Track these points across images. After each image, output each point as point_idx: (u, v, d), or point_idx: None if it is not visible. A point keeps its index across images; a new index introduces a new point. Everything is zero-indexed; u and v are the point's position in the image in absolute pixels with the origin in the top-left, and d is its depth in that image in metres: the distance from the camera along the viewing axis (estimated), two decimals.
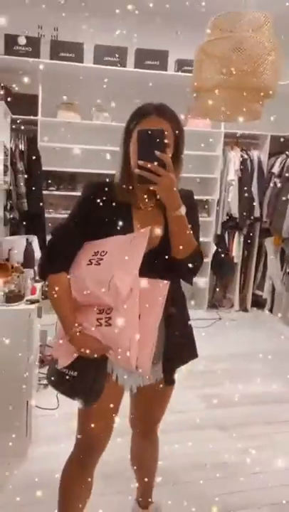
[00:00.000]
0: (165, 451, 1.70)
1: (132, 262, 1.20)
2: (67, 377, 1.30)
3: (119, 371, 1.34)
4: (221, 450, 2.25)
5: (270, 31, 2.08)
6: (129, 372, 1.34)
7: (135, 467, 1.68)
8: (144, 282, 1.20)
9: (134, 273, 1.19)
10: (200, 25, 2.28)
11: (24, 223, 3.80)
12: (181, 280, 1.41)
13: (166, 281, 1.22)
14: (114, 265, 1.21)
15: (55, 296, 1.28)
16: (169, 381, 1.37)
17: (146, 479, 1.66)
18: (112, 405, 1.35)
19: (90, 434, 1.37)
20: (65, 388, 1.33)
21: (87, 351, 1.25)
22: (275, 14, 2.11)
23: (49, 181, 4.05)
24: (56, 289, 1.28)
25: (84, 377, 1.29)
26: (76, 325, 1.27)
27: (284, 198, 3.96)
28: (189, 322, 1.43)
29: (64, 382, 1.31)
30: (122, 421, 1.54)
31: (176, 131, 1.25)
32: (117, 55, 3.91)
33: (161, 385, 1.38)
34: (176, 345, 1.35)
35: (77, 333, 1.26)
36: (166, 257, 1.26)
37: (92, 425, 1.34)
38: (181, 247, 1.23)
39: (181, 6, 3.51)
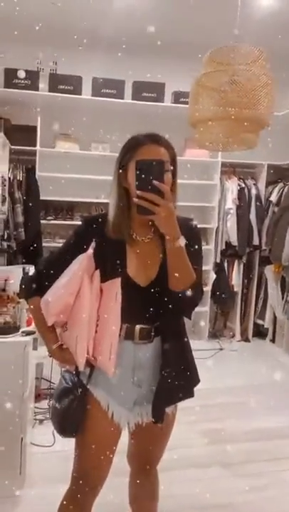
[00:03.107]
0: (166, 490, 1.61)
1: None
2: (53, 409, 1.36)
3: (115, 408, 1.29)
4: (224, 489, 2.14)
5: (264, 64, 2.12)
6: (127, 409, 1.30)
7: (134, 507, 1.59)
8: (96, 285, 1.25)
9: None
10: (196, 58, 2.33)
11: (21, 253, 3.78)
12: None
13: (117, 279, 1.22)
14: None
15: (36, 316, 1.36)
16: (156, 420, 1.29)
17: None
18: (108, 443, 1.31)
19: (85, 471, 1.32)
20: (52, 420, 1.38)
21: (65, 364, 1.34)
22: (269, 48, 2.16)
23: (47, 210, 4.06)
24: (36, 310, 1.33)
25: (62, 409, 1.30)
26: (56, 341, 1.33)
27: (282, 226, 3.95)
28: (190, 357, 1.38)
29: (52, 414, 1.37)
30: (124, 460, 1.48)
31: (173, 157, 1.24)
32: (114, 88, 3.99)
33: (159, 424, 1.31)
34: (170, 384, 1.29)
35: (56, 349, 1.32)
36: (164, 290, 1.22)
37: (88, 462, 1.30)
38: (179, 280, 1.19)
39: (178, 39, 3.62)
